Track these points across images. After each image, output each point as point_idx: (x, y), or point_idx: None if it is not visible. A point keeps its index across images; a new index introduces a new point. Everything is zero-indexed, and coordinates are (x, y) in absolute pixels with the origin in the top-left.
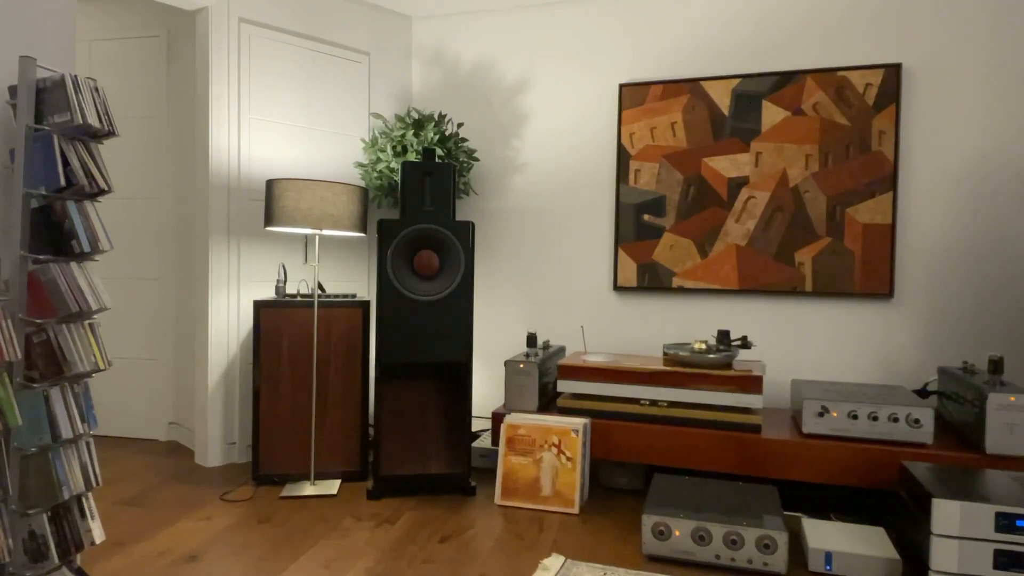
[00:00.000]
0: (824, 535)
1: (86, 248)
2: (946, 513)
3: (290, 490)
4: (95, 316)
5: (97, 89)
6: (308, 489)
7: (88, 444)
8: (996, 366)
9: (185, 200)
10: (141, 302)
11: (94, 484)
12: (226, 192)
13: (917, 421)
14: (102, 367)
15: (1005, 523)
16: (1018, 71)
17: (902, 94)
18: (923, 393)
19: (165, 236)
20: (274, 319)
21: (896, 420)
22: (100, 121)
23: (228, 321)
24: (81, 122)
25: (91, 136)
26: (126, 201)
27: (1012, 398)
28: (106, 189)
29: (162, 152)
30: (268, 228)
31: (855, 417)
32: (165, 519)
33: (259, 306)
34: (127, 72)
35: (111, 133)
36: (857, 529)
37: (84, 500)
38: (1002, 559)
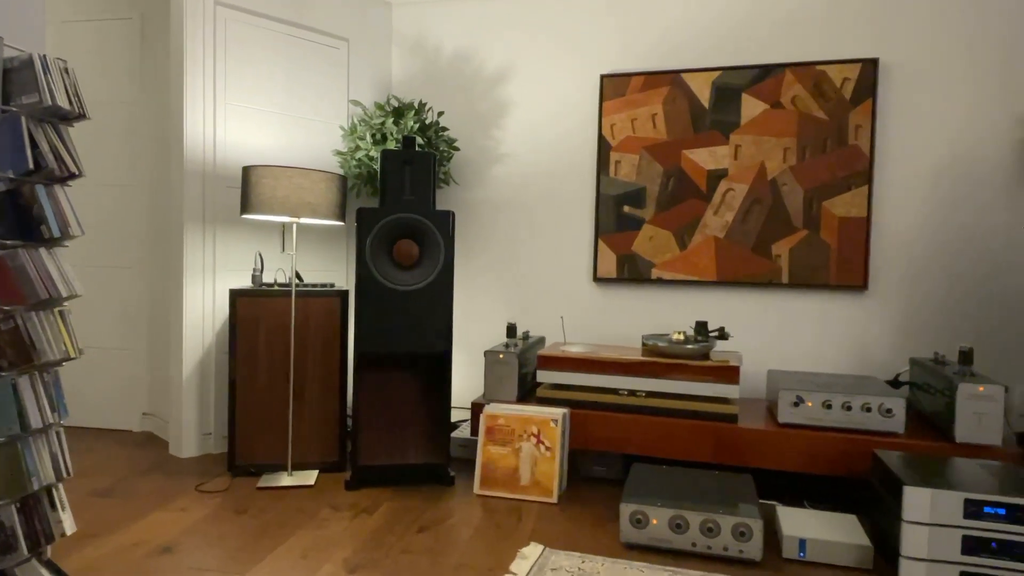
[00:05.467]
0: (798, 523)
1: (56, 233)
2: (916, 500)
3: (267, 481)
4: (65, 303)
5: (67, 70)
6: (285, 480)
7: (58, 434)
8: (966, 357)
9: (160, 186)
10: (115, 290)
11: (64, 475)
12: (201, 179)
13: (889, 411)
14: (73, 355)
15: (973, 510)
16: (990, 69)
17: (879, 89)
18: (895, 383)
19: (139, 223)
20: (250, 308)
21: (869, 410)
22: (70, 103)
23: (204, 310)
24: (50, 103)
25: (60, 118)
26: (99, 187)
27: (981, 388)
28: (77, 173)
29: (136, 137)
30: (244, 216)
31: (829, 407)
32: (139, 510)
33: (235, 295)
34: (100, 55)
35: (82, 116)
36: (830, 517)
37: (54, 491)
38: (970, 544)
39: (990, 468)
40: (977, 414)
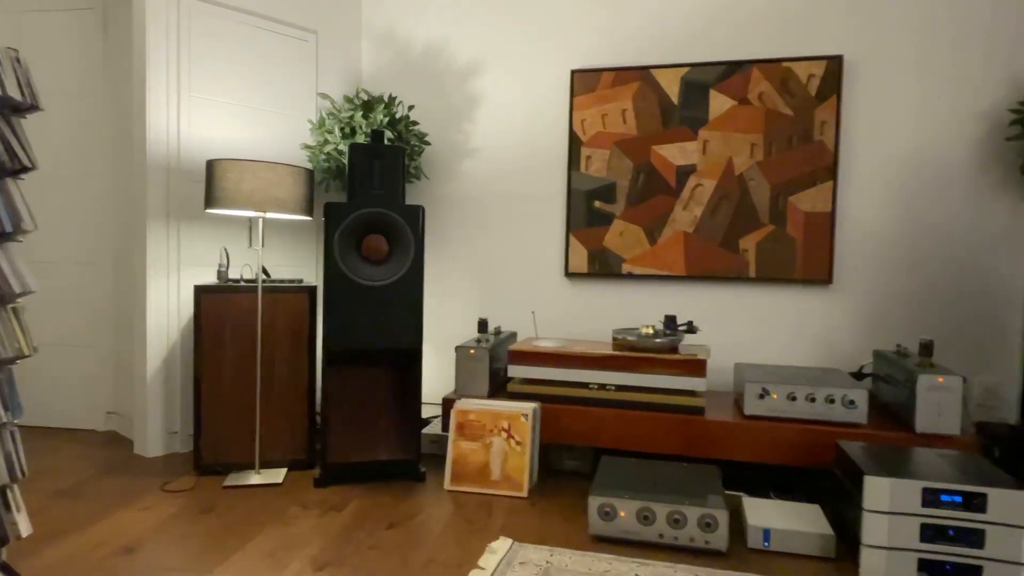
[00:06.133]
0: (763, 513)
1: (8, 228)
2: (876, 489)
3: (234, 479)
4: (19, 300)
5: (18, 60)
6: (253, 478)
7: (13, 433)
8: (926, 349)
9: (122, 180)
10: (76, 287)
11: (20, 475)
12: (165, 173)
13: (852, 402)
14: (27, 353)
15: (931, 498)
16: (949, 67)
17: (843, 86)
18: (859, 375)
19: (102, 217)
20: (216, 305)
21: (832, 401)
22: (22, 94)
23: (168, 307)
24: (1, 94)
25: (12, 110)
26: (59, 181)
27: (940, 379)
28: (29, 166)
29: (97, 130)
30: (208, 211)
31: (794, 399)
32: (101, 511)
33: (200, 291)
34: (60, 46)
35: (34, 107)
36: (794, 507)
37: (9, 492)
38: (928, 532)
39: (948, 457)
40: (937, 404)
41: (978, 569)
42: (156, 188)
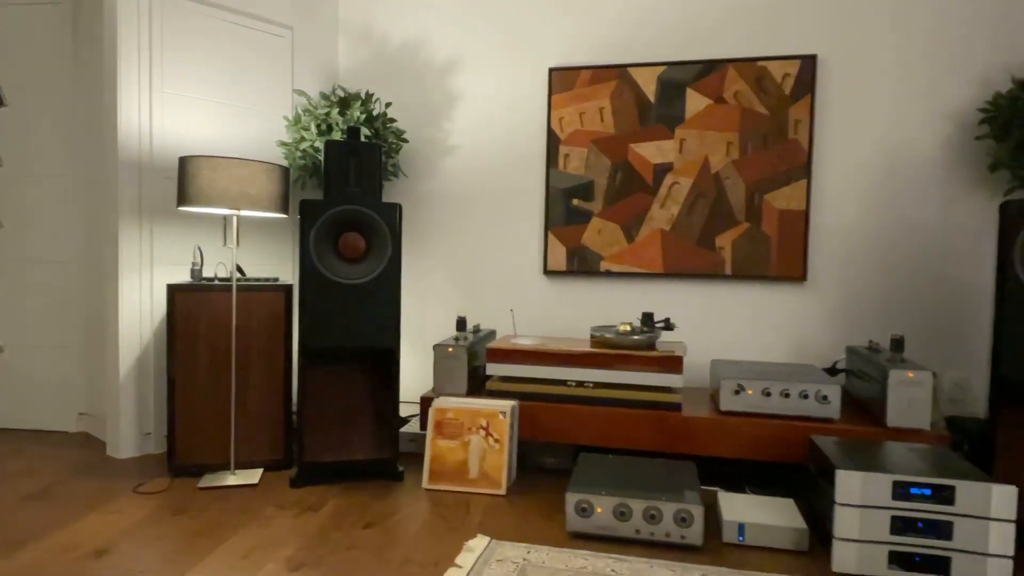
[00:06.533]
0: (738, 508)
1: None
2: (848, 483)
3: (209, 480)
4: None
5: None
6: (228, 479)
7: None
8: (898, 345)
9: (94, 178)
10: (48, 286)
11: None
12: (137, 170)
13: (825, 398)
14: None
15: (901, 491)
16: (919, 66)
17: (817, 85)
18: (833, 371)
19: (73, 215)
20: (190, 303)
21: (806, 397)
22: None
23: (141, 306)
24: None
25: None
26: (30, 178)
27: (911, 374)
28: None
29: (67, 127)
30: (181, 208)
31: (768, 394)
32: (72, 514)
33: (173, 290)
34: (27, 40)
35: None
36: (769, 501)
37: None
38: (898, 524)
39: (918, 451)
40: (907, 399)
41: (946, 560)
42: (128, 186)
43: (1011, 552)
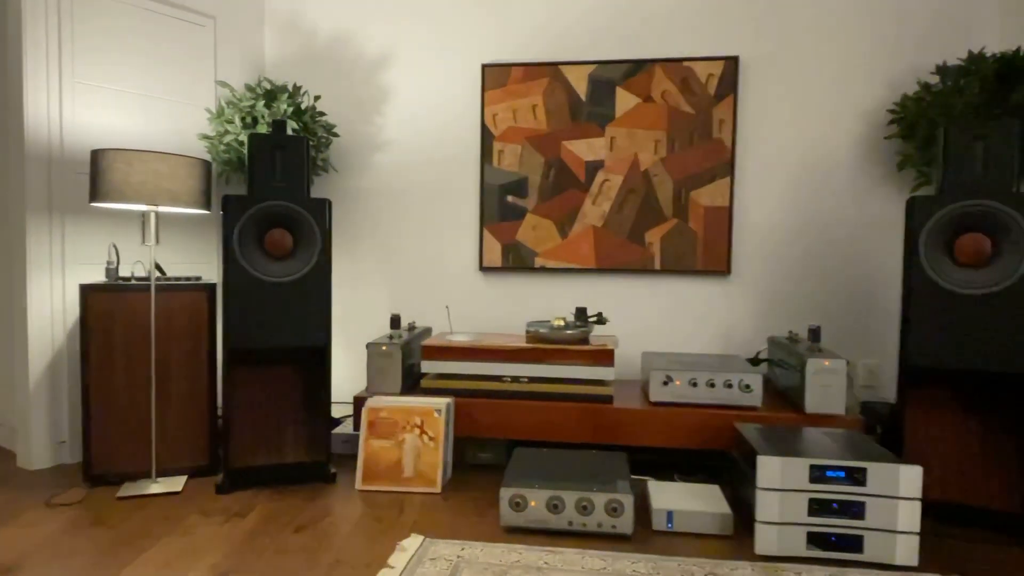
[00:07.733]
0: (667, 496)
1: None
2: (768, 468)
3: (128, 489)
4: None
5: None
6: (150, 487)
7: None
8: (814, 335)
9: None
10: None
11: None
12: (47, 164)
13: (748, 386)
14: None
15: (817, 474)
16: (835, 69)
17: (739, 85)
18: (755, 361)
19: None
20: (104, 304)
21: (730, 386)
22: None
23: (52, 307)
24: None
25: None
26: None
27: (827, 363)
28: None
29: None
30: (94, 204)
31: (695, 384)
32: None
33: (86, 290)
34: None
35: None
36: (696, 488)
37: None
38: (815, 506)
39: (833, 435)
40: (824, 386)
41: (859, 539)
42: (36, 180)
43: (917, 528)
